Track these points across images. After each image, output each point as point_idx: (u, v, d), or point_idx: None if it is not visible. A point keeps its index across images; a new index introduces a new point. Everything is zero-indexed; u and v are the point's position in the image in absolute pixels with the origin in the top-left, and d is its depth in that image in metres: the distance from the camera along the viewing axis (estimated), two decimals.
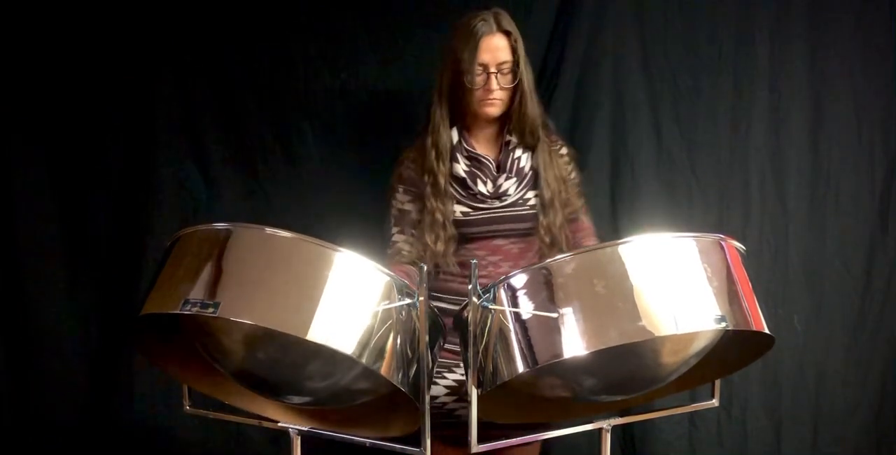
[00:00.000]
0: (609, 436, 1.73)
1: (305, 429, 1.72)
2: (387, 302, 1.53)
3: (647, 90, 2.58)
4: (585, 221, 2.20)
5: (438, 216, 2.03)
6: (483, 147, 2.12)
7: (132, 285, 2.55)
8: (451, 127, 2.08)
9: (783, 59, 2.59)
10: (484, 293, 1.58)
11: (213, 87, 2.58)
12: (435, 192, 2.04)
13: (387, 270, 1.56)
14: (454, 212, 2.06)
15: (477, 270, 1.55)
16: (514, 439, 1.76)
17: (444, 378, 2.07)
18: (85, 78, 2.56)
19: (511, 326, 1.55)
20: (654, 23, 2.57)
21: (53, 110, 2.58)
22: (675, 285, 1.53)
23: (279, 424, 1.75)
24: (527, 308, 1.54)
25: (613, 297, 1.51)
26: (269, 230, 1.55)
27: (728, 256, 1.61)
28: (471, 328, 1.56)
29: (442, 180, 2.04)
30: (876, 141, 2.64)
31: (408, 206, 2.10)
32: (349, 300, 1.51)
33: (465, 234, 2.07)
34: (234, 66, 2.57)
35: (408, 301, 1.56)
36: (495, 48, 1.99)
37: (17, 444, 2.64)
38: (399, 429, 1.76)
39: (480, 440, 1.60)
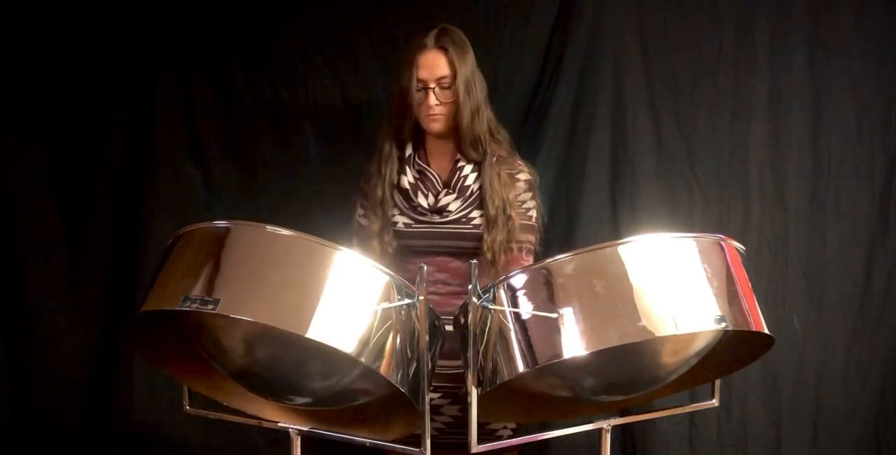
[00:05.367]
0: (609, 436, 1.73)
1: (305, 429, 1.72)
2: (387, 302, 1.53)
3: (647, 90, 2.58)
4: (520, 260, 2.04)
5: (375, 226, 2.05)
6: (437, 162, 2.11)
7: (132, 285, 2.55)
8: (408, 141, 2.09)
9: (783, 59, 2.59)
10: (484, 293, 1.58)
11: (213, 87, 2.59)
12: (376, 202, 2.06)
13: (387, 270, 1.56)
14: (396, 223, 2.07)
15: (476, 271, 1.55)
16: (514, 439, 1.76)
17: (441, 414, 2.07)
18: (85, 78, 2.57)
19: (511, 326, 1.55)
20: (654, 23, 2.56)
21: (53, 111, 2.58)
22: (675, 286, 1.53)
23: (279, 424, 1.75)
24: (526, 308, 1.54)
25: (613, 297, 1.51)
26: (269, 228, 1.54)
27: (728, 257, 1.61)
28: (471, 328, 1.56)
29: (380, 191, 2.06)
30: (876, 141, 2.64)
31: (362, 220, 2.12)
32: (349, 299, 1.51)
33: (409, 247, 2.07)
34: (235, 65, 2.58)
35: (407, 301, 1.56)
36: (432, 64, 1.99)
37: (18, 443, 2.64)
38: (398, 431, 1.75)
39: None
